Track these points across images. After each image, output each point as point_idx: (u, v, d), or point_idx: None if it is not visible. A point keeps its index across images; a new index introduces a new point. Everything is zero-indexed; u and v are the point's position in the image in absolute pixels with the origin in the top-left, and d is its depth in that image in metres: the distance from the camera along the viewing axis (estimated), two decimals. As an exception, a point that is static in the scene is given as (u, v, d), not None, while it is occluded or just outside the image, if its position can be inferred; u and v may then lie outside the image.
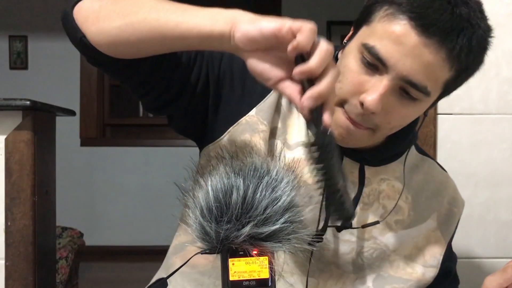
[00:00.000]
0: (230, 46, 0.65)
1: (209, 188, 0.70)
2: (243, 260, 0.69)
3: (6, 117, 1.41)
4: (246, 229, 0.68)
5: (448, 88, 0.81)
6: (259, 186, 0.69)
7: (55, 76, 4.13)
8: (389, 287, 0.91)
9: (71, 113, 1.75)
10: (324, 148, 0.64)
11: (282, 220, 0.69)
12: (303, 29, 0.61)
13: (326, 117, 0.63)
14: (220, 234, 0.69)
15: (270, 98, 0.87)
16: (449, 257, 0.97)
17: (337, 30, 4.20)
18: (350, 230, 0.88)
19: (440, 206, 0.95)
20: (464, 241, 1.33)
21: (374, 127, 0.80)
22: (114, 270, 3.77)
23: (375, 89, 0.76)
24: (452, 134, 1.33)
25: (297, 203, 0.72)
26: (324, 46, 0.63)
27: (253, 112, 0.86)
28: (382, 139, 0.88)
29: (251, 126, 0.86)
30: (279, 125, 0.88)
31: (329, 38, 4.17)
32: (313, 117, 0.63)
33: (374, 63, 0.76)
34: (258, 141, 0.85)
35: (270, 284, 0.69)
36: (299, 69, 0.61)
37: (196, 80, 0.84)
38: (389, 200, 0.91)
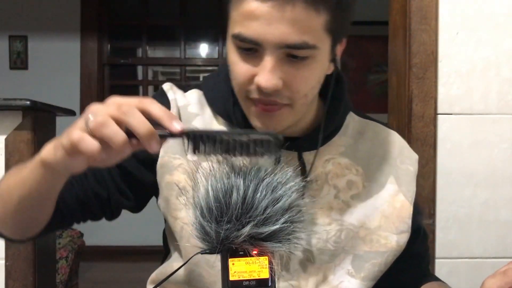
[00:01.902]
0: (63, 174, 0.71)
1: (209, 188, 0.70)
2: (243, 260, 0.69)
3: (6, 117, 1.41)
4: (246, 229, 0.68)
5: (335, 30, 0.79)
6: (259, 186, 0.69)
7: (55, 76, 4.13)
8: (368, 265, 0.89)
9: (71, 113, 1.75)
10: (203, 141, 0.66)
11: (282, 220, 0.69)
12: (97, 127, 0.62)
13: (173, 127, 0.64)
14: (220, 234, 0.69)
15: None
16: (417, 217, 0.95)
17: (337, 30, 4.19)
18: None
19: (394, 168, 0.93)
20: (464, 241, 1.33)
21: (288, 102, 0.80)
22: (114, 270, 3.77)
23: (262, 68, 0.76)
24: (452, 134, 1.33)
25: (297, 204, 0.72)
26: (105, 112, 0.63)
27: (162, 153, 0.87)
28: (304, 111, 0.85)
29: (167, 167, 0.87)
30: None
31: (329, 38, 4.17)
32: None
33: (250, 47, 0.77)
34: (179, 176, 0.86)
35: (270, 284, 0.69)
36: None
37: (119, 189, 0.89)
38: (339, 178, 0.89)
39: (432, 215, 1.32)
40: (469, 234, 1.33)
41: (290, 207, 0.71)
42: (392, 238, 0.90)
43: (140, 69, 4.57)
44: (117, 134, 0.61)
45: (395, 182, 0.92)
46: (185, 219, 0.85)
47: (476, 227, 1.33)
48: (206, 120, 0.90)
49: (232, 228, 0.68)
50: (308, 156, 0.88)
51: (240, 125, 0.87)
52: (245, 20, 0.75)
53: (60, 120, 1.70)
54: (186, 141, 0.66)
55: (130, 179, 0.88)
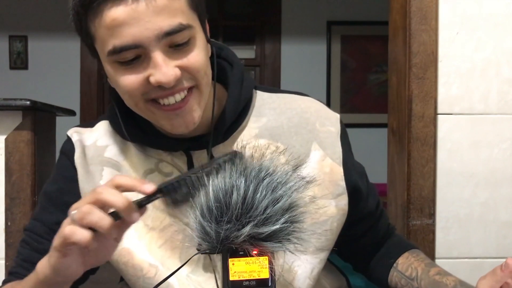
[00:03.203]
0: (64, 282, 0.73)
1: (210, 188, 0.70)
2: (243, 260, 0.69)
3: (6, 117, 1.42)
4: (246, 229, 0.68)
5: (198, 7, 0.80)
6: (260, 186, 0.69)
7: (55, 76, 4.13)
8: (314, 237, 0.87)
9: (71, 113, 1.75)
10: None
11: (282, 220, 0.69)
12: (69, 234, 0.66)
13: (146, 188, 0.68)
14: (220, 234, 0.69)
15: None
16: (350, 177, 0.92)
17: (337, 30, 4.20)
18: None
19: (315, 134, 0.91)
20: (464, 241, 1.33)
21: (193, 83, 0.79)
22: (114, 270, 3.76)
23: (154, 66, 0.75)
24: (452, 134, 1.32)
25: (297, 204, 0.72)
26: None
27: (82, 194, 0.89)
28: (207, 93, 0.84)
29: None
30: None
31: (329, 38, 4.18)
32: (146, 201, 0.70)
33: (130, 57, 0.76)
34: None
35: (270, 284, 0.69)
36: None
37: None
38: (288, 166, 0.88)
39: (432, 215, 1.32)
40: (469, 234, 1.33)
41: (290, 207, 0.71)
42: (330, 204, 0.89)
43: (140, 69, 4.57)
44: (103, 218, 0.66)
45: (319, 147, 0.90)
46: (116, 253, 0.86)
47: (476, 227, 1.33)
48: (119, 146, 0.90)
49: (232, 228, 0.68)
50: (221, 148, 0.87)
51: (138, 139, 0.88)
52: (113, 31, 0.74)
53: (60, 120, 1.70)
54: (163, 197, 0.69)
55: None
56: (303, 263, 0.87)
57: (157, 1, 0.74)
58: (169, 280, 0.82)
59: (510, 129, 1.33)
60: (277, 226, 0.69)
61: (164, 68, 0.75)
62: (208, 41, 0.85)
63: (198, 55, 0.79)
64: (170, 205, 0.70)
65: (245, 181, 0.70)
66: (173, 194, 0.70)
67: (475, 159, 1.32)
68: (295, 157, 0.88)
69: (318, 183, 0.88)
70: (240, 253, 0.69)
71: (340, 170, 0.90)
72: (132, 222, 0.67)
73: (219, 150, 0.87)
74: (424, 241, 1.31)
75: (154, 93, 0.78)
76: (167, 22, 0.74)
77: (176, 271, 0.79)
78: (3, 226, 1.40)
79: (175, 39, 0.76)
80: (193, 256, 0.77)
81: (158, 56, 0.75)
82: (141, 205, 0.69)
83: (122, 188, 0.68)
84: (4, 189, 1.41)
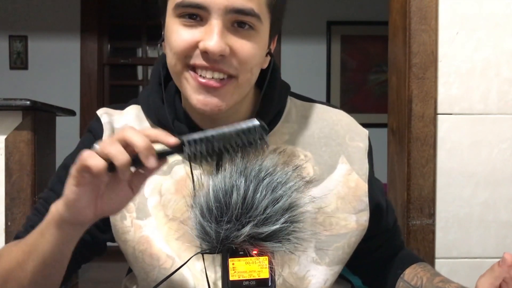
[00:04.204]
0: (74, 226, 0.72)
1: (210, 188, 0.70)
2: (243, 260, 0.69)
3: (6, 117, 1.42)
4: (246, 229, 0.68)
5: (274, 10, 0.80)
6: (259, 186, 0.69)
7: (55, 76, 4.13)
8: (331, 249, 0.88)
9: (71, 113, 1.75)
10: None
11: (282, 220, 0.69)
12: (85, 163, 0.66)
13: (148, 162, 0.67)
14: (220, 234, 0.69)
15: None
16: (374, 194, 0.93)
17: (337, 30, 4.20)
18: None
19: (344, 147, 0.91)
20: (464, 241, 1.33)
21: (235, 72, 0.79)
22: (114, 270, 3.76)
23: (209, 32, 0.75)
24: (452, 134, 1.32)
25: (297, 204, 0.72)
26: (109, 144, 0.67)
27: None
28: (246, 92, 0.85)
29: None
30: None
31: (329, 38, 4.18)
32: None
33: (193, 13, 0.76)
34: None
35: (270, 284, 0.70)
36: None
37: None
38: (288, 166, 0.87)
39: (432, 215, 1.32)
40: (469, 234, 1.33)
41: (290, 207, 0.71)
42: (351, 219, 0.89)
43: (140, 69, 4.57)
44: (122, 153, 0.65)
45: (347, 161, 0.91)
46: (135, 240, 0.85)
47: (476, 227, 1.33)
48: None
49: (232, 228, 0.68)
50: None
51: (179, 130, 0.86)
52: None
53: (60, 120, 1.70)
54: (186, 149, 0.68)
55: None
56: (318, 273, 0.87)
57: None
58: (184, 274, 0.82)
59: (510, 129, 1.33)
60: (277, 226, 0.69)
61: (216, 38, 0.75)
62: (270, 53, 0.85)
63: (252, 49, 0.79)
64: (187, 159, 0.69)
65: (245, 181, 0.70)
66: (194, 150, 0.69)
67: (475, 159, 1.32)
68: (322, 167, 0.89)
69: (341, 196, 0.89)
70: (240, 253, 0.69)
71: (365, 186, 0.91)
72: (149, 167, 0.66)
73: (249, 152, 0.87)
74: (424, 241, 1.31)
75: (197, 59, 0.77)
76: (241, 1, 0.75)
77: (175, 271, 0.79)
78: (3, 226, 1.40)
79: (240, 18, 0.76)
80: (192, 256, 0.77)
81: (217, 25, 0.75)
82: (161, 155, 0.68)
83: (150, 138, 0.67)
84: (4, 189, 1.41)
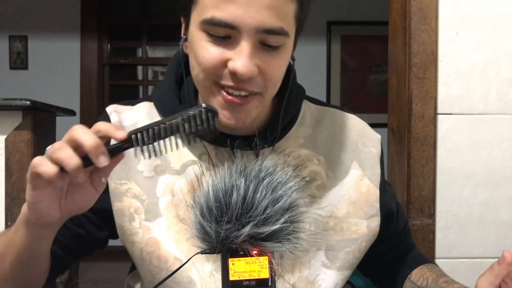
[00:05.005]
0: (42, 227, 0.71)
1: (210, 188, 0.70)
2: (243, 260, 0.69)
3: (6, 117, 1.42)
4: (246, 229, 0.68)
5: (300, 20, 0.79)
6: (259, 186, 0.69)
7: (55, 76, 4.13)
8: (342, 254, 0.88)
9: (71, 113, 1.75)
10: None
11: (282, 220, 0.69)
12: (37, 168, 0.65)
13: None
14: (220, 234, 0.69)
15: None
16: (385, 199, 0.93)
17: (337, 30, 4.20)
18: None
19: (357, 153, 0.91)
20: (464, 241, 1.33)
21: (261, 90, 0.78)
22: (114, 270, 3.76)
23: (239, 54, 0.74)
24: (452, 134, 1.32)
25: (297, 204, 0.72)
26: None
27: (108, 180, 0.86)
28: (269, 105, 0.85)
29: (114, 194, 0.86)
30: (146, 168, 0.87)
31: (329, 38, 4.18)
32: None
33: (224, 34, 0.74)
34: (129, 201, 0.85)
35: (270, 284, 0.69)
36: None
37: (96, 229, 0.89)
38: (301, 170, 0.87)
39: (432, 215, 1.32)
40: (469, 234, 1.33)
41: (290, 207, 0.71)
42: (362, 224, 0.89)
43: (140, 69, 4.57)
44: (71, 157, 0.64)
45: (359, 166, 0.91)
46: (143, 241, 0.85)
47: (476, 227, 1.33)
48: None
49: (232, 228, 0.68)
50: (266, 153, 0.86)
51: None
52: (220, 2, 0.73)
53: (60, 120, 1.70)
54: (136, 145, 0.67)
55: (97, 210, 0.86)
56: (328, 277, 0.87)
57: None
58: (192, 276, 0.82)
59: (510, 129, 1.33)
60: (277, 226, 0.69)
61: (246, 60, 0.74)
62: (292, 57, 0.85)
63: (280, 66, 0.79)
64: (139, 154, 0.68)
65: (245, 181, 0.70)
66: (143, 142, 0.67)
67: (475, 159, 1.32)
68: (334, 172, 0.88)
69: (353, 202, 0.89)
70: (240, 253, 0.69)
71: (376, 192, 0.91)
72: (99, 165, 0.65)
73: (264, 154, 0.85)
74: (424, 241, 1.31)
75: (226, 80, 0.77)
76: (271, 21, 0.73)
77: (175, 272, 0.79)
78: (3, 226, 1.40)
79: (270, 39, 0.75)
80: (192, 256, 0.77)
81: (246, 46, 0.74)
82: (112, 152, 0.66)
83: (100, 133, 0.66)
84: (4, 189, 1.41)
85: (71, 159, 0.64)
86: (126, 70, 4.57)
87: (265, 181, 0.70)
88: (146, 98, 0.92)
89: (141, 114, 0.90)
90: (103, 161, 0.65)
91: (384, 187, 0.94)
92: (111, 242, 0.93)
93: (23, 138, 1.40)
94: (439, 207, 1.33)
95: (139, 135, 0.67)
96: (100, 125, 0.67)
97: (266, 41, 0.75)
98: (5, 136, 1.41)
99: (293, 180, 0.73)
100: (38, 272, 0.81)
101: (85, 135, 0.64)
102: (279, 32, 0.75)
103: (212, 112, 0.67)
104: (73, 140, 0.65)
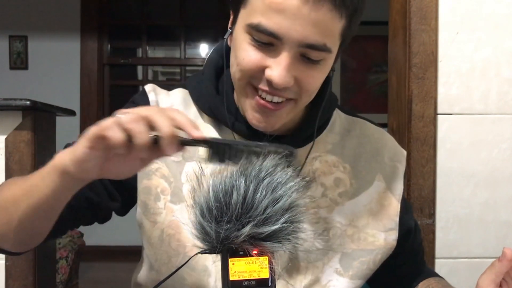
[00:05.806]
0: (76, 180, 0.70)
1: (210, 187, 0.70)
2: (243, 260, 0.69)
3: (6, 117, 1.41)
4: (246, 229, 0.68)
5: (346, 36, 0.79)
6: (260, 186, 0.69)
7: (55, 76, 4.14)
8: (356, 263, 0.88)
9: (71, 113, 1.75)
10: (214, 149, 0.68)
11: (282, 220, 0.69)
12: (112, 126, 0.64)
13: (194, 133, 0.65)
14: (220, 234, 0.69)
15: None
16: (405, 214, 0.94)
17: (337, 30, 4.20)
18: None
19: (382, 166, 0.92)
20: (464, 241, 1.33)
21: (295, 97, 0.79)
22: (114, 270, 3.76)
23: (278, 64, 0.75)
24: (452, 134, 1.33)
25: (297, 204, 0.72)
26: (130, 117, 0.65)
27: None
28: (302, 111, 0.86)
29: (144, 172, 0.86)
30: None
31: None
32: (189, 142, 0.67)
33: (267, 41, 0.75)
34: (157, 180, 0.86)
35: (270, 284, 0.69)
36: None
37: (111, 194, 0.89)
38: (326, 176, 0.89)
39: (432, 215, 1.32)
40: (469, 234, 1.33)
41: (290, 207, 0.71)
42: (379, 236, 0.90)
43: (140, 69, 4.57)
44: (143, 133, 0.64)
45: (383, 179, 0.92)
46: (165, 222, 0.85)
47: (476, 227, 1.33)
48: (191, 117, 0.88)
49: (232, 228, 0.68)
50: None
51: (226, 121, 0.86)
52: (269, 10, 0.73)
53: (60, 120, 1.70)
54: (206, 148, 0.67)
55: (117, 181, 0.86)
56: (339, 284, 0.88)
57: (322, 13, 0.72)
58: (207, 265, 0.83)
59: (510, 129, 1.33)
60: (277, 226, 0.69)
61: (283, 71, 0.74)
62: (332, 67, 0.85)
63: (317, 79, 0.79)
64: (207, 159, 0.69)
65: (245, 181, 0.69)
66: (216, 151, 0.68)
67: (475, 159, 1.32)
68: (358, 181, 0.89)
69: (373, 213, 0.90)
70: (240, 253, 0.69)
71: (397, 207, 0.92)
72: (167, 153, 0.65)
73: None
74: (424, 241, 1.31)
75: (261, 83, 0.77)
76: (315, 37, 0.74)
77: (175, 272, 0.79)
78: (3, 226, 1.40)
79: (311, 53, 0.75)
80: (192, 257, 0.77)
81: (286, 57, 0.75)
82: (182, 143, 0.66)
83: (175, 123, 0.66)
84: (4, 189, 1.41)
85: (143, 135, 0.63)
86: (126, 70, 4.57)
87: (265, 181, 0.70)
88: (181, 85, 0.93)
89: (177, 100, 0.90)
90: (172, 150, 0.65)
91: (405, 203, 0.95)
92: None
93: (23, 138, 1.40)
94: (439, 207, 1.33)
95: (212, 144, 0.67)
96: (177, 115, 0.66)
97: (307, 54, 0.75)
98: (5, 136, 1.41)
99: (293, 180, 0.73)
100: (45, 225, 0.79)
101: (163, 121, 0.64)
102: (321, 49, 0.75)
103: (292, 155, 0.69)
104: (149, 119, 0.64)
